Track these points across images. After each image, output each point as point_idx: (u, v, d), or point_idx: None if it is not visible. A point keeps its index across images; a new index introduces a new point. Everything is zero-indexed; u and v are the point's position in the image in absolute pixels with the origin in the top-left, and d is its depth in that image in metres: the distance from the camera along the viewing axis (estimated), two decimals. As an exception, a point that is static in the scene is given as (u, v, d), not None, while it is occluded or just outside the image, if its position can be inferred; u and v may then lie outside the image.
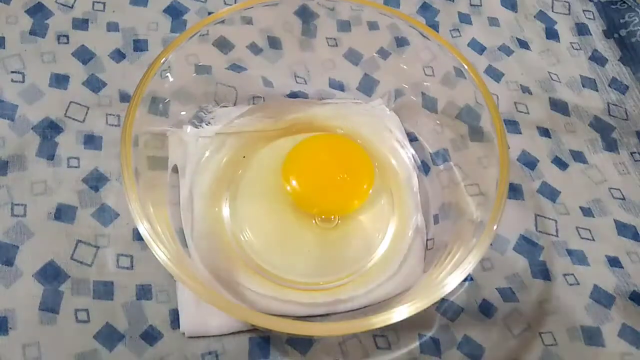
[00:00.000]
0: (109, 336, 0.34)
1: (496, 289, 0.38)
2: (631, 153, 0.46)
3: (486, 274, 0.38)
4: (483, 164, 0.37)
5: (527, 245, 0.40)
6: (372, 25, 0.44)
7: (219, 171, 0.39)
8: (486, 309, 0.37)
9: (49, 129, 0.40)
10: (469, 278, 0.38)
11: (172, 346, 0.34)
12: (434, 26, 0.49)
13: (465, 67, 0.37)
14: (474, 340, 0.36)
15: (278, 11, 0.41)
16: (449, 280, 0.31)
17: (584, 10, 0.52)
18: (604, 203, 0.42)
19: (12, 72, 0.41)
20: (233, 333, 0.35)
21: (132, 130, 0.33)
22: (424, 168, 0.41)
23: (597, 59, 0.50)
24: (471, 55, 0.48)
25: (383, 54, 0.44)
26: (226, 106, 0.42)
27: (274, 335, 0.35)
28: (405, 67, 0.43)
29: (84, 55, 0.43)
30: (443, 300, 0.37)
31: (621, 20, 0.51)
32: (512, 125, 0.45)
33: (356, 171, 0.38)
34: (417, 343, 0.36)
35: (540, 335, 0.37)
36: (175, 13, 0.46)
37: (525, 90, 0.47)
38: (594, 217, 0.42)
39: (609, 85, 0.49)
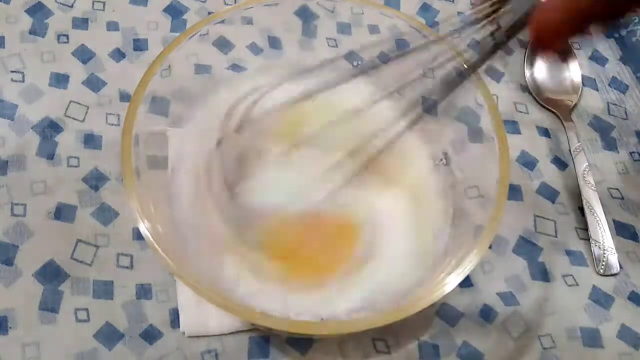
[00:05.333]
0: (109, 335, 0.34)
1: (496, 293, 0.38)
2: (630, 153, 0.46)
3: (486, 277, 0.38)
4: (483, 164, 0.37)
5: (527, 246, 0.40)
6: (372, 26, 0.44)
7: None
8: (486, 314, 0.37)
9: (49, 129, 0.40)
10: (469, 284, 0.38)
11: (172, 345, 0.34)
12: (434, 27, 0.49)
13: (465, 67, 0.37)
14: (473, 345, 0.36)
15: (278, 11, 0.41)
16: (449, 280, 0.31)
17: (584, 10, 0.52)
18: (603, 203, 0.42)
19: (12, 71, 0.41)
20: (233, 332, 0.35)
21: (132, 129, 0.33)
22: (424, 168, 0.41)
23: (597, 58, 0.50)
24: (471, 55, 0.48)
25: (383, 54, 0.44)
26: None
27: (274, 335, 0.35)
28: (405, 67, 0.42)
29: (84, 55, 0.43)
30: (443, 304, 0.37)
31: (621, 20, 0.51)
32: (512, 125, 0.45)
33: None
34: (417, 348, 0.36)
35: (539, 338, 0.37)
36: (175, 13, 0.46)
37: (525, 90, 0.47)
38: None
39: (609, 85, 0.49)
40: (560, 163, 0.44)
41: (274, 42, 0.43)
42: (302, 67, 0.40)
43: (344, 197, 0.37)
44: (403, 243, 0.37)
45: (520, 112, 0.46)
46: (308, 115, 0.39)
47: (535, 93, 0.47)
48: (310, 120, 0.39)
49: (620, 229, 0.42)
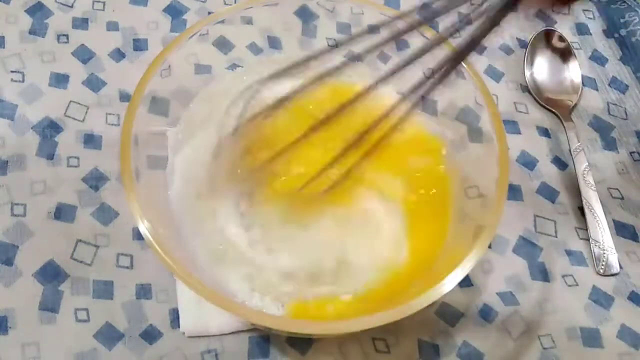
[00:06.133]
0: (109, 335, 0.34)
1: (496, 293, 0.38)
2: (630, 152, 0.46)
3: (486, 277, 0.38)
4: (483, 164, 0.37)
5: (527, 246, 0.40)
6: (372, 27, 0.44)
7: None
8: (486, 314, 0.37)
9: (49, 129, 0.40)
10: (469, 284, 0.38)
11: (172, 345, 0.34)
12: (434, 26, 0.49)
13: (465, 67, 0.37)
14: (473, 345, 0.36)
15: (278, 11, 0.41)
16: (449, 280, 0.31)
17: (584, 10, 0.52)
18: (603, 203, 0.42)
19: (12, 71, 0.41)
20: (233, 332, 0.35)
21: (132, 129, 0.33)
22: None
23: (597, 58, 0.50)
24: (471, 55, 0.48)
25: (383, 54, 0.44)
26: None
27: (274, 335, 0.35)
28: (405, 68, 0.42)
29: (84, 55, 0.43)
30: (443, 304, 0.37)
31: (621, 20, 0.51)
32: (512, 125, 0.45)
33: None
34: (416, 347, 0.36)
35: (539, 338, 0.37)
36: (175, 12, 0.46)
37: (525, 90, 0.47)
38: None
39: (609, 85, 0.49)
40: (560, 163, 0.44)
41: (274, 42, 0.43)
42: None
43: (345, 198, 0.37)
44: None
45: (520, 112, 0.46)
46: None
47: (535, 93, 0.47)
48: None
49: (620, 229, 0.42)
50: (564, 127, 0.45)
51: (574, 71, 0.48)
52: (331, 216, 0.37)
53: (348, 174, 0.35)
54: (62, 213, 0.37)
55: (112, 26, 0.44)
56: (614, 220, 0.42)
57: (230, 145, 0.39)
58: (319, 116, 0.36)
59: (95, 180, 0.38)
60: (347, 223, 0.36)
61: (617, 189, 0.44)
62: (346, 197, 0.37)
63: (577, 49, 0.50)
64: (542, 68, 0.48)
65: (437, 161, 0.39)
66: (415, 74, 0.37)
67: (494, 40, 0.49)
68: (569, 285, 0.39)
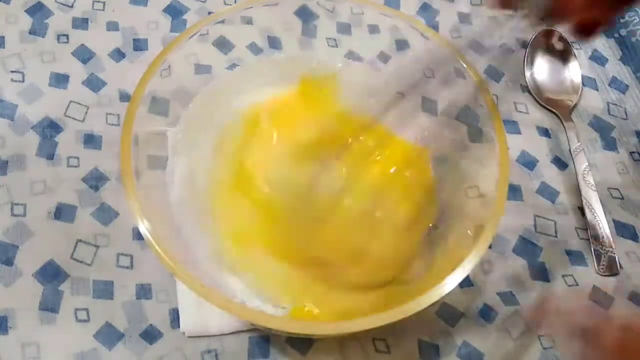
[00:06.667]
0: (109, 335, 0.34)
1: (497, 293, 0.38)
2: (630, 152, 0.46)
3: (486, 277, 0.38)
4: (483, 164, 0.37)
5: (527, 246, 0.40)
6: (372, 26, 0.44)
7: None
8: (486, 314, 0.37)
9: (49, 129, 0.40)
10: (469, 284, 0.38)
11: (172, 345, 0.34)
12: (434, 27, 0.49)
13: (465, 67, 0.37)
14: (474, 345, 0.36)
15: (278, 11, 0.41)
16: (449, 280, 0.31)
17: (584, 10, 0.52)
18: (603, 203, 0.42)
19: (12, 71, 0.41)
20: (233, 332, 0.35)
21: (132, 129, 0.33)
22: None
23: (597, 58, 0.50)
24: (471, 55, 0.48)
25: (383, 55, 0.44)
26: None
27: (274, 335, 0.35)
28: (405, 68, 0.42)
29: (84, 55, 0.43)
30: (443, 304, 0.37)
31: (621, 20, 0.51)
32: (512, 125, 0.45)
33: None
34: (417, 348, 0.36)
35: (539, 338, 0.37)
36: (175, 13, 0.46)
37: (525, 90, 0.47)
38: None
39: (609, 85, 0.49)
40: (560, 163, 0.44)
41: (274, 42, 0.43)
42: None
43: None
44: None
45: (520, 112, 0.46)
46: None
47: (535, 93, 0.47)
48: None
49: (620, 229, 0.42)
50: (564, 127, 0.45)
51: (574, 71, 0.48)
52: (329, 222, 0.37)
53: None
54: (62, 213, 0.37)
55: (112, 26, 0.44)
56: (614, 220, 0.42)
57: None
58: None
59: (95, 180, 0.38)
60: (344, 229, 0.37)
61: (617, 189, 0.44)
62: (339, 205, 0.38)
63: (577, 49, 0.50)
64: (542, 68, 0.48)
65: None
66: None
67: (494, 40, 0.49)
68: (569, 285, 0.39)
